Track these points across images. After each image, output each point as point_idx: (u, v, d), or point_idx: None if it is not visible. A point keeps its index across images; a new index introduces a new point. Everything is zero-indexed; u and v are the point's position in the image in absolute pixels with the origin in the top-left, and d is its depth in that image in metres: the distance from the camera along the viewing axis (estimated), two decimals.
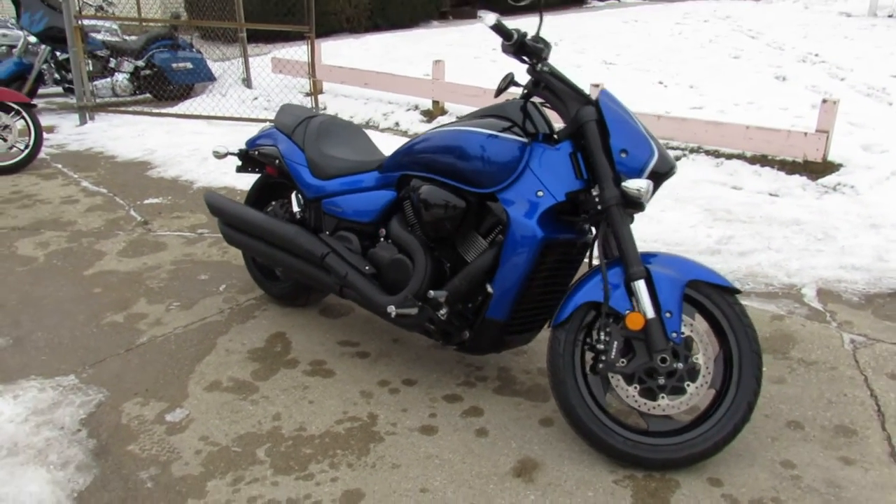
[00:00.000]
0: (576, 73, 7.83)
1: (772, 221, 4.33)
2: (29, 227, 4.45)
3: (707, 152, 5.62)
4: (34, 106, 5.80)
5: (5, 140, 5.58)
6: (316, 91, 8.14)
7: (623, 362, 2.21)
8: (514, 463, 2.29)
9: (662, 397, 2.21)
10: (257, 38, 10.83)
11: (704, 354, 2.22)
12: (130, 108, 7.81)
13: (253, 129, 6.92)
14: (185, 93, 8.81)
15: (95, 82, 8.27)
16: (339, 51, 10.62)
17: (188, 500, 2.14)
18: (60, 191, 5.22)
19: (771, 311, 3.28)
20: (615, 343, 2.19)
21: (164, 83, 8.52)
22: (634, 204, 2.28)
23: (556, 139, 2.43)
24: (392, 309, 2.52)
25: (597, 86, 5.96)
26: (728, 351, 2.24)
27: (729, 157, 5.48)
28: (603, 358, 2.21)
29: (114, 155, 6.22)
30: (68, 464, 2.30)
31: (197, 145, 6.37)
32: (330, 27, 12.97)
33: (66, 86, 8.12)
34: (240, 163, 3.41)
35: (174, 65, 8.47)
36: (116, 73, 8.35)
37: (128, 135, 6.79)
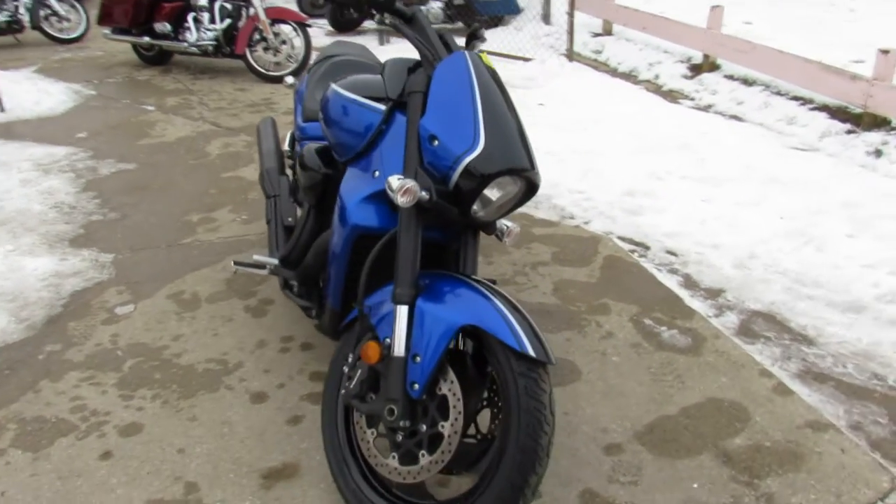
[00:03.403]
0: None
1: None
2: (237, 130, 5.24)
3: None
4: (309, 25, 6.63)
5: (280, 52, 6.53)
6: (604, 31, 7.58)
7: (372, 398, 1.79)
8: (278, 464, 2.07)
9: (393, 457, 1.74)
10: None
11: (452, 426, 1.66)
12: None
13: (512, 67, 6.86)
14: (494, 24, 9.02)
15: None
16: None
17: (44, 379, 2.46)
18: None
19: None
20: (359, 371, 1.78)
21: (473, 13, 8.84)
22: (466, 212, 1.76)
23: None
24: (232, 262, 2.42)
25: (886, 52, 4.41)
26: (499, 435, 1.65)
27: None
28: (346, 383, 1.82)
29: None
30: (25, 321, 2.81)
31: None
32: None
33: None
34: None
35: None
36: (431, 2, 8.93)
37: None
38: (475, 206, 1.80)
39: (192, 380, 2.44)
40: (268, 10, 6.42)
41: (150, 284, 3.07)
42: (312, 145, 2.29)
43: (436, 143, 1.73)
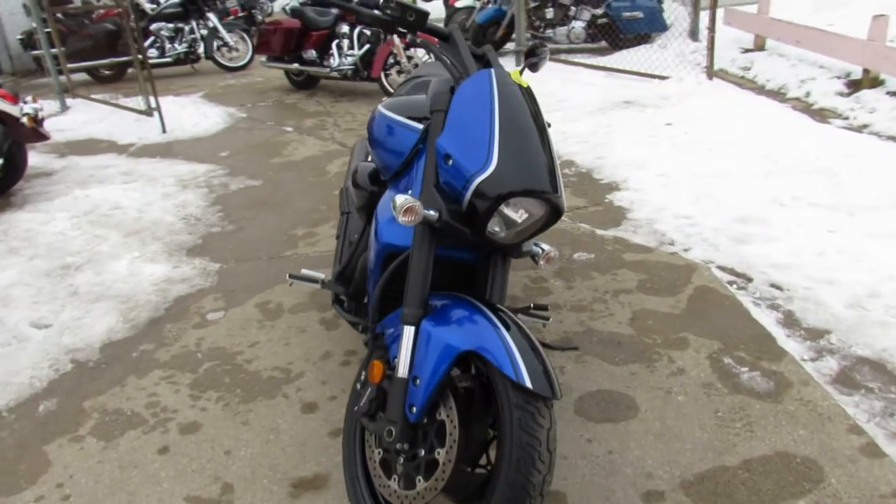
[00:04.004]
0: None
1: None
2: None
3: None
4: None
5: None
6: (755, 46, 7.08)
7: (381, 416, 1.77)
8: (311, 475, 2.11)
9: (394, 479, 1.71)
10: None
11: (448, 453, 1.60)
12: (560, 56, 8.21)
13: (647, 86, 6.61)
14: (640, 41, 8.74)
15: (557, 29, 8.96)
16: None
17: (132, 375, 2.69)
18: None
19: None
20: (369, 390, 1.77)
21: (617, 32, 8.62)
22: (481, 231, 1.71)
23: None
24: (287, 275, 2.50)
25: None
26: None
27: None
28: (358, 401, 1.81)
29: None
30: (131, 322, 3.10)
31: (567, 95, 6.47)
32: None
33: (533, 32, 9.01)
34: None
35: (625, 14, 8.46)
36: (574, 21, 8.82)
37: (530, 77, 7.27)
38: (497, 228, 1.74)
39: (256, 385, 2.56)
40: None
41: (244, 293, 3.27)
42: (367, 164, 2.34)
43: (450, 162, 1.70)
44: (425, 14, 1.87)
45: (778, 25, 6.82)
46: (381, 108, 2.20)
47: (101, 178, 5.14)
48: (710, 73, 6.40)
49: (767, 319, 2.72)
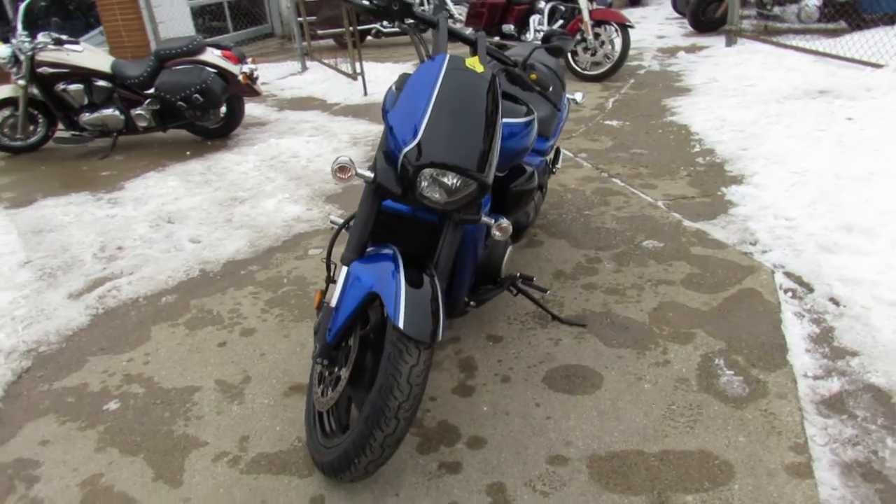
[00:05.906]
0: None
1: None
2: None
3: None
4: (631, 26, 6.68)
5: (598, 52, 6.75)
6: None
7: None
8: (307, 382, 2.57)
9: (319, 386, 2.09)
10: None
11: (345, 372, 1.94)
12: (773, 38, 7.53)
13: (855, 74, 5.96)
14: (888, 21, 7.70)
15: (787, 6, 8.24)
16: None
17: (232, 287, 3.37)
18: (590, 102, 6.18)
19: None
20: (321, 313, 2.15)
21: (858, 10, 7.68)
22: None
23: None
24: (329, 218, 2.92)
25: None
26: None
27: None
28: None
29: (677, 78, 6.59)
30: (254, 248, 3.80)
31: (758, 81, 6.05)
32: None
33: (759, 10, 8.38)
34: None
35: None
36: (805, 0, 8.01)
37: (727, 63, 6.87)
38: (437, 195, 1.99)
39: (309, 309, 3.08)
40: (594, 12, 6.69)
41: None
42: None
43: (393, 132, 1.99)
44: (409, 4, 2.16)
45: None
46: (393, 84, 2.52)
47: (297, 130, 6.05)
48: None
49: (797, 331, 2.57)
